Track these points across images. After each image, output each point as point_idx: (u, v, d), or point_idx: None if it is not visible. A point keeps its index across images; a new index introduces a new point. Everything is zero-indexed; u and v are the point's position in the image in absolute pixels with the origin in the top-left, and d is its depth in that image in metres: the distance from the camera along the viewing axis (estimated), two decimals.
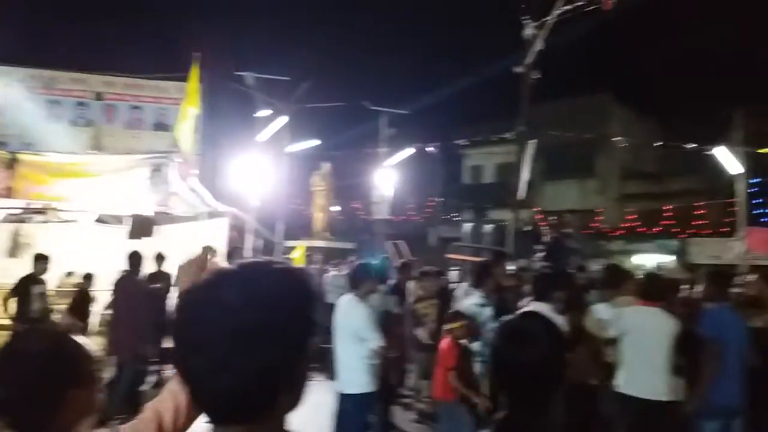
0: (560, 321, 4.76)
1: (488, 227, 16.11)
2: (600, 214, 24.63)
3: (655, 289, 5.10)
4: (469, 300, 6.01)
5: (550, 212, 22.66)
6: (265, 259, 1.02)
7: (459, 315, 5.58)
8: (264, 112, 17.38)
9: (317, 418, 7.28)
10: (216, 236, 13.45)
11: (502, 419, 1.63)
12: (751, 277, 6.48)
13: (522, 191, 13.05)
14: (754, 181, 18.71)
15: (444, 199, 28.04)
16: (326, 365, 9.21)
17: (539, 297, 4.96)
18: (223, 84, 18.49)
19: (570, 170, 26.40)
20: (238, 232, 15.20)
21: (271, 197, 18.26)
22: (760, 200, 19.21)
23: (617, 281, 5.66)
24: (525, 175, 13.24)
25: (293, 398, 0.94)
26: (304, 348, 0.94)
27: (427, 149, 17.99)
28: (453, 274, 12.48)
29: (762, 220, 18.77)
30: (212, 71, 17.75)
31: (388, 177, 21.18)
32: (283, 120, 17.77)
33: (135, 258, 7.80)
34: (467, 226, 17.33)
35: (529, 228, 15.72)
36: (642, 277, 5.39)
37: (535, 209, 24.65)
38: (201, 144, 17.33)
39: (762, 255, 17.56)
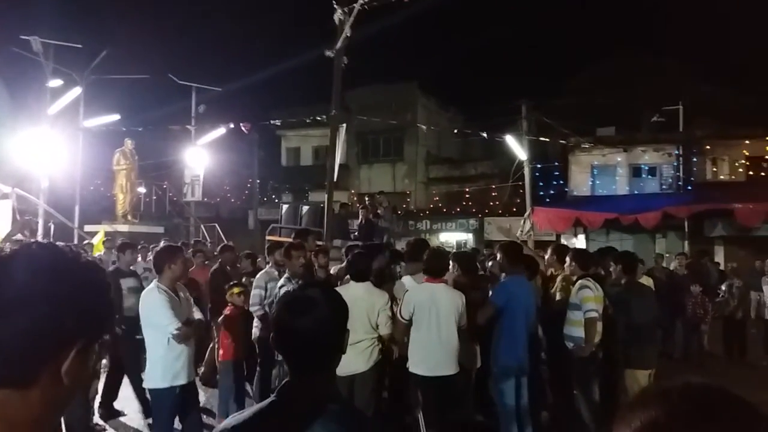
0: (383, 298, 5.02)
1: (305, 209, 16.21)
2: (409, 195, 26.09)
3: (437, 265, 5.16)
4: (278, 282, 6.05)
5: (364, 194, 23.50)
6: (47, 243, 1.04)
7: (237, 284, 6.44)
8: (55, 83, 15.61)
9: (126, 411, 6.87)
10: None
11: (284, 384, 1.68)
12: (548, 252, 7.12)
13: (335, 173, 13.33)
14: (539, 165, 21.14)
15: (263, 180, 27.63)
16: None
17: (357, 277, 5.07)
18: (4, 48, 16.27)
19: (382, 154, 27.57)
20: (28, 216, 13.61)
21: (66, 177, 16.58)
22: (543, 183, 21.72)
23: (420, 254, 5.67)
24: (338, 157, 13.54)
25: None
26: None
27: (242, 129, 17.51)
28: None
29: (546, 200, 21.24)
30: None
31: (200, 156, 20.31)
32: (76, 91, 16.12)
33: None
34: (285, 207, 17.25)
35: (343, 210, 16.14)
36: (427, 253, 5.39)
37: (351, 191, 25.38)
38: None
39: (546, 231, 20.02)
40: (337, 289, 4.90)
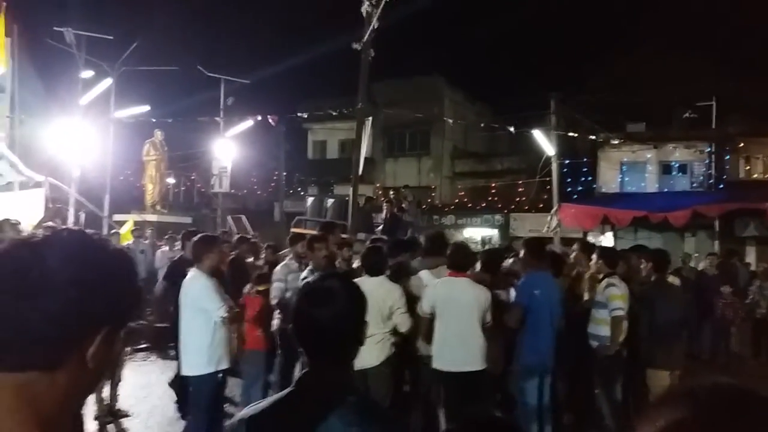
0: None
1: (330, 201, 16.26)
2: (434, 190, 26.00)
3: (461, 259, 5.06)
4: (301, 274, 6.07)
5: (390, 188, 23.49)
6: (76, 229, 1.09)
7: (263, 277, 6.51)
8: (87, 73, 15.90)
9: (149, 398, 7.03)
10: (30, 208, 12.23)
11: (302, 375, 1.70)
12: (574, 248, 7.03)
13: (360, 167, 13.35)
14: (567, 161, 20.88)
15: (289, 173, 27.82)
16: (159, 345, 8.93)
17: (371, 271, 4.99)
18: (39, 40, 16.62)
19: (408, 148, 27.51)
20: (59, 204, 13.92)
21: (97, 167, 16.89)
22: (570, 179, 21.45)
23: (439, 249, 5.63)
24: (364, 150, 13.55)
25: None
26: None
27: (270, 121, 17.63)
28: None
29: (574, 197, 20.98)
30: (26, 24, 15.89)
31: (228, 148, 20.50)
32: (107, 82, 16.40)
33: None
34: (311, 200, 17.35)
35: (368, 204, 16.15)
36: (451, 247, 5.32)
37: (376, 185, 25.40)
38: (12, 106, 15.47)
39: (572, 228, 19.79)
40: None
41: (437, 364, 4.88)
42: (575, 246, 7.14)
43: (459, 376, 4.80)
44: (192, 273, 4.84)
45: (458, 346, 4.81)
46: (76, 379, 0.98)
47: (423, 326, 4.95)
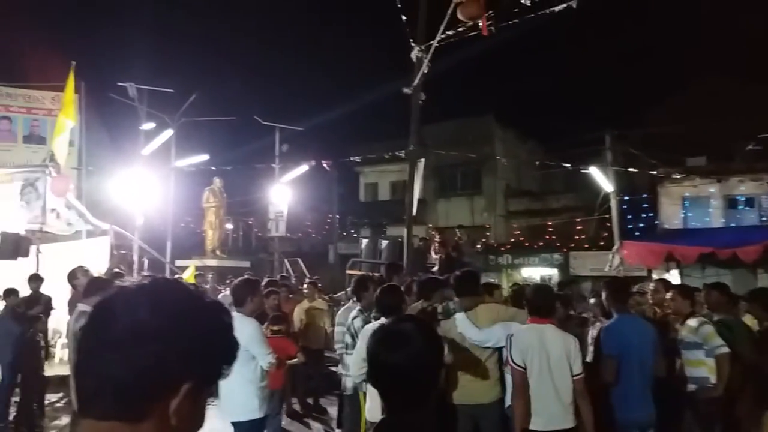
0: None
1: (384, 243, 16.27)
2: (488, 229, 25.70)
3: (544, 303, 4.55)
4: (351, 313, 5.90)
5: (442, 228, 23.36)
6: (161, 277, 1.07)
7: (278, 318, 6.54)
8: (149, 125, 16.65)
9: None
10: (97, 255, 12.69)
11: (381, 420, 1.64)
12: (653, 285, 6.75)
13: (414, 208, 13.33)
14: (626, 198, 20.32)
15: (342, 216, 28.13)
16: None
17: (386, 313, 4.66)
18: (104, 95, 17.58)
19: (460, 188, 27.42)
20: (124, 251, 14.41)
21: (159, 214, 17.48)
22: (631, 216, 20.81)
23: (471, 288, 5.20)
24: (416, 192, 13.55)
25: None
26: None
27: (324, 165, 17.96)
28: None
29: (635, 234, 20.31)
30: (92, 81, 16.87)
31: (283, 193, 20.92)
32: (168, 133, 17.09)
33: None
34: (365, 242, 17.41)
35: (422, 244, 16.07)
36: (529, 290, 4.89)
37: (428, 225, 25.33)
38: (80, 158, 16.30)
39: (636, 266, 19.10)
40: (368, 327, 4.78)
41: (536, 424, 4.32)
42: (653, 285, 6.81)
43: None
44: (237, 315, 4.75)
45: (552, 402, 4.33)
46: None
47: (516, 380, 4.41)
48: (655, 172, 20.07)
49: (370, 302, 5.52)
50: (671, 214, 21.45)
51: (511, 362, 4.41)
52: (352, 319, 5.61)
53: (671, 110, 22.79)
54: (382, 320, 4.61)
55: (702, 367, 5.14)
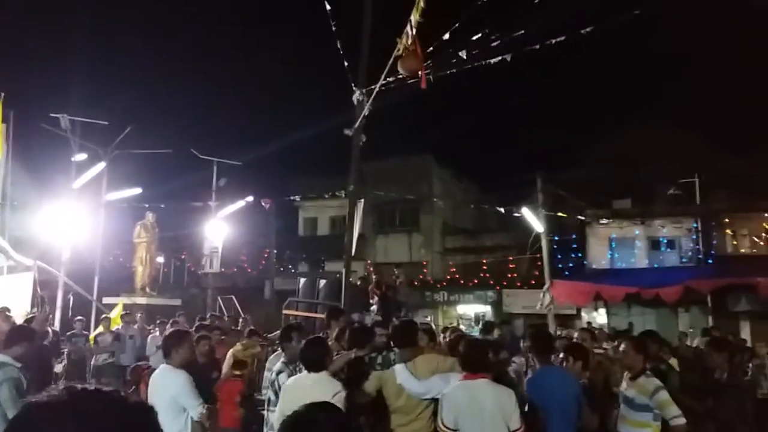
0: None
1: (323, 282, 16.12)
2: (425, 266, 25.97)
3: (475, 358, 4.41)
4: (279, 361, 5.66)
5: (380, 264, 23.42)
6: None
7: (240, 363, 6.88)
8: (80, 156, 16.09)
9: None
10: (19, 293, 12.09)
11: None
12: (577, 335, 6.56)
13: (353, 248, 13.35)
14: (556, 238, 21.06)
15: (279, 250, 27.76)
16: None
17: (310, 367, 4.53)
18: (35, 126, 16.89)
19: (398, 224, 27.69)
20: (47, 288, 13.74)
21: (88, 249, 16.79)
22: (561, 255, 21.54)
23: (409, 339, 5.05)
24: (356, 231, 13.59)
25: None
26: None
27: (263, 204, 17.78)
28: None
29: (565, 273, 20.99)
30: (22, 112, 16.18)
31: (219, 228, 20.53)
32: (100, 166, 16.56)
33: None
34: (303, 280, 17.19)
35: (361, 282, 16.05)
36: (462, 344, 4.76)
37: (367, 261, 25.35)
38: (4, 191, 15.52)
39: (566, 305, 19.71)
40: (289, 381, 4.67)
41: None
42: (577, 335, 6.90)
43: None
44: (165, 366, 4.78)
45: None
46: None
47: None
48: (583, 217, 20.90)
49: (294, 354, 5.27)
50: (599, 254, 22.32)
51: (441, 426, 4.26)
52: (277, 374, 5.28)
53: (598, 154, 23.96)
54: (305, 374, 4.56)
55: (647, 429, 4.86)
